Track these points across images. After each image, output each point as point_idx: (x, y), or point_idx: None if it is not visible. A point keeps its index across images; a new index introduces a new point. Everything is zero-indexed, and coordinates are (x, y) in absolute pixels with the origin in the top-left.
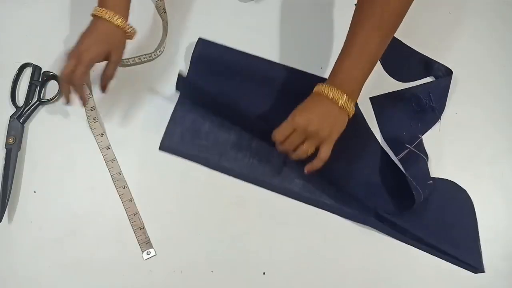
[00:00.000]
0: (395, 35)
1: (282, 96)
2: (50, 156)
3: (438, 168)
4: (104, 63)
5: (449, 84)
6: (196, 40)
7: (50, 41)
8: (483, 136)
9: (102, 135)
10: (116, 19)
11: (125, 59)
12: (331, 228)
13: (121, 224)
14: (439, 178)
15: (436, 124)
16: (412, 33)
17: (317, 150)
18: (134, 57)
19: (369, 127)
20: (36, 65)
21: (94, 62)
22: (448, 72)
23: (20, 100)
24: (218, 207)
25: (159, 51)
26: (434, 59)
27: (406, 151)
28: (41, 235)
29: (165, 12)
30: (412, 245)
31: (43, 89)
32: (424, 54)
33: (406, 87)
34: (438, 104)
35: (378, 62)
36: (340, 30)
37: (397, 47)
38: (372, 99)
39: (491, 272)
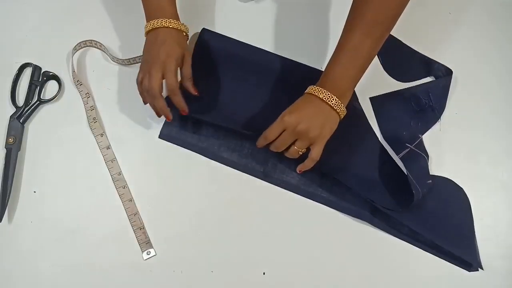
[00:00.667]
0: (396, 35)
1: (283, 87)
2: (50, 156)
3: (438, 168)
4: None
5: (449, 84)
6: (194, 47)
7: (50, 41)
8: (483, 136)
9: (102, 135)
10: (176, 24)
11: (126, 59)
12: (331, 228)
13: (121, 224)
14: (437, 175)
15: (436, 124)
16: (412, 33)
17: (309, 149)
18: (135, 57)
19: (369, 124)
20: (36, 65)
21: (178, 67)
22: (448, 72)
23: (20, 100)
24: (218, 207)
25: None
26: (434, 59)
27: (407, 150)
28: (41, 235)
29: None
30: (409, 243)
31: (43, 89)
32: (424, 54)
33: (406, 87)
34: (438, 104)
35: (378, 62)
36: (340, 30)
37: (397, 47)
38: (372, 99)
39: (491, 272)
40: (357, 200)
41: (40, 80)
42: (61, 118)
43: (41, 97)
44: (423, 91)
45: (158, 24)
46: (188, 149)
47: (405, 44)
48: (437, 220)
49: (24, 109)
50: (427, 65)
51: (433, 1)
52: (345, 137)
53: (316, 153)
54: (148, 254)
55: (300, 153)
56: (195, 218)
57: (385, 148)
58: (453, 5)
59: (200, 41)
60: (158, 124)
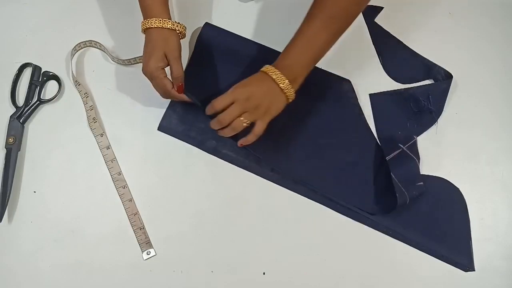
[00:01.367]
0: (396, 35)
1: None
2: (50, 156)
3: (438, 168)
4: None
5: (449, 87)
6: (196, 40)
7: (50, 41)
8: (483, 136)
9: (102, 135)
10: (165, 23)
11: (127, 59)
12: (332, 228)
13: (121, 224)
14: (432, 176)
15: (432, 126)
16: (412, 33)
17: (252, 126)
18: (135, 58)
19: (368, 125)
20: (36, 65)
21: (159, 69)
22: (448, 76)
23: (20, 100)
24: (218, 208)
25: None
26: (435, 59)
27: (398, 151)
28: (41, 235)
29: None
30: (405, 243)
31: (43, 89)
32: (424, 54)
33: (406, 87)
34: (436, 106)
35: (378, 62)
36: None
37: (397, 48)
38: (371, 96)
39: (491, 272)
40: (349, 198)
41: (40, 80)
42: (61, 118)
43: (41, 97)
44: (423, 93)
45: (148, 24)
46: (187, 141)
47: (406, 46)
48: (432, 221)
49: (24, 109)
50: (427, 68)
51: (433, 2)
52: (344, 137)
53: (259, 128)
54: (148, 254)
55: (244, 125)
56: (195, 218)
57: (382, 150)
58: (453, 5)
59: (201, 34)
60: (158, 124)
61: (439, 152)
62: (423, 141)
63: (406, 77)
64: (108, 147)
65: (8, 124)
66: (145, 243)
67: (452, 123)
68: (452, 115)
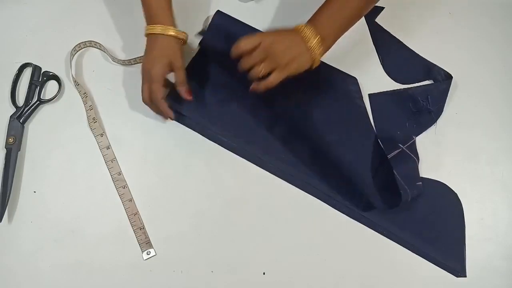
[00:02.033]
0: (396, 35)
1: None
2: (50, 156)
3: (438, 168)
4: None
5: (448, 88)
6: (198, 43)
7: (50, 41)
8: (483, 136)
9: (102, 135)
10: (169, 31)
11: (127, 59)
12: (332, 228)
13: (121, 224)
14: (429, 178)
15: (431, 127)
16: (412, 33)
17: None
18: (135, 58)
19: (370, 123)
20: (36, 65)
21: (163, 76)
22: (448, 77)
23: (20, 100)
24: (218, 207)
25: None
26: (435, 59)
27: (398, 151)
28: (41, 235)
29: None
30: (400, 244)
31: (43, 89)
32: (424, 54)
33: (406, 87)
34: (436, 107)
35: (378, 62)
36: None
37: (397, 48)
38: (371, 96)
39: (491, 272)
40: (348, 196)
41: (40, 80)
42: (61, 118)
43: (41, 97)
44: (422, 93)
45: (152, 30)
46: (190, 127)
47: (406, 46)
48: (428, 224)
49: (24, 109)
50: (427, 69)
51: (433, 2)
52: (346, 133)
53: (274, 78)
54: (148, 254)
55: (260, 75)
56: (195, 218)
57: (383, 148)
58: (453, 5)
59: (213, 21)
60: (158, 124)
61: (439, 152)
62: (423, 141)
63: (406, 77)
64: (108, 147)
65: (8, 124)
66: (145, 243)
67: (452, 123)
68: (452, 115)
